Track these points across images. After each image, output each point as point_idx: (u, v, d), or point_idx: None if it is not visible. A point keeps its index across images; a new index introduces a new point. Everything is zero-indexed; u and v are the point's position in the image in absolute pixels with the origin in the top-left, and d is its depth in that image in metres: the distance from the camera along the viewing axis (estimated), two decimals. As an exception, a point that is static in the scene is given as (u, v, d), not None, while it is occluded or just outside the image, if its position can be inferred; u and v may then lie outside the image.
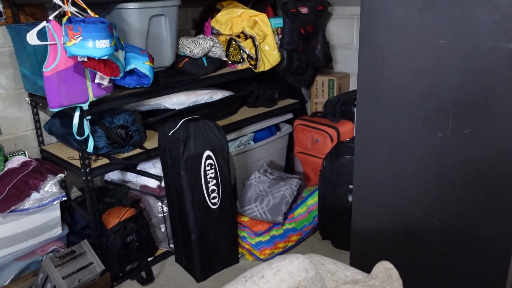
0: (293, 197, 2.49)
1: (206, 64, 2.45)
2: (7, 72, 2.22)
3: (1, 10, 2.14)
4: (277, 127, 3.03)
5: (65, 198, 2.08)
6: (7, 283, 2.06)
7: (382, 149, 1.64)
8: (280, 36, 2.74)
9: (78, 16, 1.77)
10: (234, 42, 2.59)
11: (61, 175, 2.11)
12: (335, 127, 2.68)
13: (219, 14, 2.66)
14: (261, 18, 2.62)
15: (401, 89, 1.53)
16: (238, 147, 2.71)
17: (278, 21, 2.72)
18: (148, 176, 2.34)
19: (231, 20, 2.63)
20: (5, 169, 2.04)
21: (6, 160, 2.11)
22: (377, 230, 1.75)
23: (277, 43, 2.70)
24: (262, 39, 2.61)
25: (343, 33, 3.00)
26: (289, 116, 3.00)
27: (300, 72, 2.86)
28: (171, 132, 2.12)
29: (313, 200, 2.58)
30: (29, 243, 2.08)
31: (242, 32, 2.59)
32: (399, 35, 1.49)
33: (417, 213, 1.61)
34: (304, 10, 2.77)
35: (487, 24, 1.29)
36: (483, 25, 1.30)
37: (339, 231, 2.42)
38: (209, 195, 2.17)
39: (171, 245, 2.41)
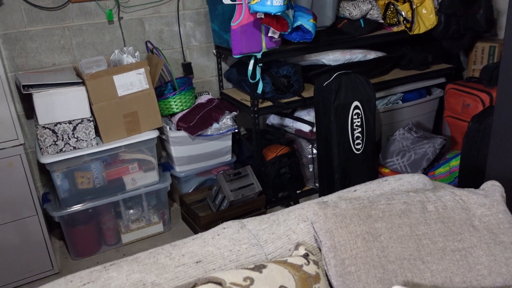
0: (435, 155, 2.62)
1: (363, 25, 2.69)
2: (201, 29, 2.80)
3: (201, -22, 2.69)
4: (428, 91, 3.12)
5: (236, 130, 2.59)
6: (190, 191, 2.69)
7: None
8: (440, 0, 2.81)
9: (260, -19, 2.19)
10: (392, 6, 2.76)
11: (234, 113, 2.62)
12: (489, 92, 2.68)
13: (380, -21, 2.85)
14: (421, -18, 2.73)
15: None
16: (387, 105, 2.92)
17: (439, -15, 2.79)
18: (303, 122, 2.72)
19: (391, -16, 2.79)
20: (196, 103, 2.63)
21: (196, 97, 2.71)
22: (508, 184, 1.84)
23: (435, 7, 2.78)
24: (420, 3, 2.72)
25: (511, -3, 2.90)
26: (442, 80, 3.06)
27: (457, 36, 2.89)
28: (326, 83, 2.44)
29: (456, 162, 2.67)
30: (207, 163, 2.66)
31: (401, -4, 2.74)
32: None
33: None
34: (468, -27, 2.78)
35: None
36: None
37: (478, 191, 2.48)
38: (353, 141, 2.46)
39: (317, 184, 2.78)
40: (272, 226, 1.17)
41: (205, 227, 2.36)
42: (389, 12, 2.79)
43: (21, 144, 2.06)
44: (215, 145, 2.62)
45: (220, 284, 0.92)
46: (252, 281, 0.94)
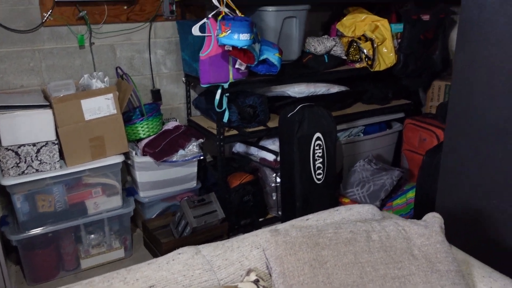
0: (392, 186, 2.74)
1: (327, 61, 2.83)
2: (172, 57, 2.87)
3: (174, 9, 2.78)
4: (388, 125, 3.27)
5: (202, 157, 2.64)
6: (153, 216, 2.70)
7: (468, 142, 1.85)
8: (399, 40, 2.99)
9: (229, 15, 2.30)
10: (354, 43, 2.92)
11: (201, 140, 2.68)
12: (443, 128, 2.83)
13: (344, 18, 3.01)
14: (382, 23, 2.90)
15: (488, 90, 1.73)
16: (349, 137, 3.03)
17: (399, 27, 2.97)
18: (267, 151, 2.80)
19: (355, 23, 2.96)
20: (163, 129, 2.67)
21: (163, 123, 2.75)
22: (456, 213, 1.95)
23: (395, 47, 2.95)
24: (380, 42, 2.89)
25: (465, 41, 3.10)
26: (401, 115, 3.22)
27: (416, 74, 3.06)
28: (290, 114, 2.54)
29: (412, 194, 2.79)
30: (172, 189, 2.69)
31: (363, 35, 2.90)
32: (491, 41, 1.69)
33: (494, 201, 1.78)
34: (426, 17, 2.97)
35: None
36: None
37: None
38: (315, 171, 2.54)
39: (279, 212, 2.83)
40: (226, 252, 1.22)
41: (166, 253, 2.36)
42: (352, 49, 2.94)
43: (-18, 165, 2.05)
44: (180, 171, 2.66)
45: (170, 307, 0.96)
46: (201, 305, 0.98)
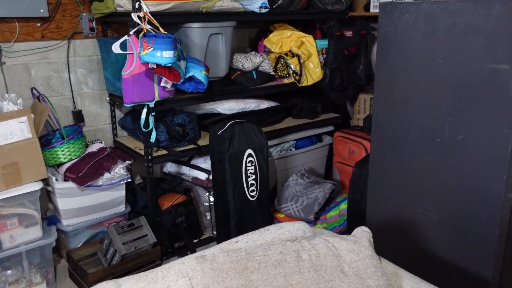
0: (325, 199, 2.76)
1: (255, 77, 2.83)
2: (94, 76, 2.73)
3: (94, 26, 2.66)
4: (319, 138, 3.32)
5: (130, 180, 2.52)
6: (79, 245, 2.52)
7: (392, 153, 1.90)
8: (325, 55, 3.06)
9: (152, 32, 2.22)
10: (282, 59, 2.95)
11: (128, 162, 2.55)
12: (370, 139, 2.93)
13: (271, 35, 3.04)
14: (308, 39, 2.96)
15: (407, 101, 1.80)
16: (280, 152, 3.04)
17: (324, 43, 3.04)
18: (199, 170, 2.73)
19: (281, 40, 2.99)
20: (86, 152, 2.52)
21: (87, 146, 2.59)
22: (386, 223, 1.99)
23: (321, 62, 3.02)
24: (307, 58, 2.94)
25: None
26: (330, 128, 3.29)
27: (342, 88, 3.15)
28: (220, 131, 2.50)
29: (345, 205, 2.83)
30: (99, 215, 2.53)
31: (290, 51, 2.94)
32: (407, 56, 1.76)
33: (419, 209, 1.84)
34: (348, 33, 3.07)
35: (476, 48, 1.54)
36: (473, 49, 1.55)
37: (364, 232, 2.65)
38: (248, 188, 2.51)
39: (214, 232, 2.76)
40: (150, 285, 1.14)
41: (93, 284, 2.20)
42: (280, 65, 2.97)
43: None
44: (107, 196, 2.51)
45: None
46: None
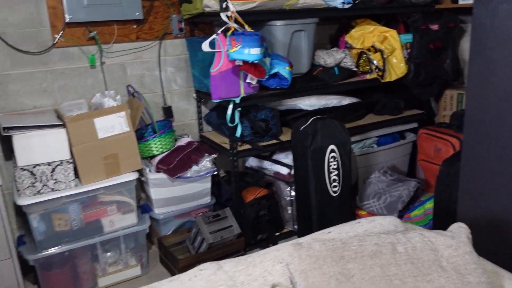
0: (409, 197, 2.70)
1: (337, 73, 2.82)
2: (182, 74, 2.89)
3: (183, 27, 2.81)
4: (401, 135, 3.24)
5: (216, 173, 2.63)
6: (168, 233, 2.68)
7: (488, 149, 1.82)
8: (409, 50, 2.98)
9: (239, 30, 2.31)
10: (364, 55, 2.91)
11: (214, 155, 2.67)
12: (458, 137, 2.80)
13: (353, 30, 3.02)
14: (391, 34, 2.90)
15: (507, 95, 1.71)
16: (362, 148, 3.01)
17: (408, 37, 2.96)
18: (281, 165, 2.78)
19: (363, 35, 2.96)
20: (175, 145, 2.67)
21: (175, 140, 2.75)
22: (481, 223, 1.91)
23: (405, 57, 2.94)
24: (390, 53, 2.88)
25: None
26: (414, 125, 3.20)
27: (427, 84, 3.04)
28: (302, 127, 2.53)
29: (430, 204, 2.75)
30: (186, 205, 2.67)
31: (372, 46, 2.90)
32: (507, 47, 1.68)
33: (517, 208, 1.74)
34: (434, 27, 2.96)
35: None
36: None
37: (451, 232, 2.55)
38: (330, 184, 2.52)
39: (295, 226, 2.80)
40: (249, 268, 1.20)
41: (183, 270, 2.33)
42: (362, 60, 2.93)
43: (-2, 186, 2.05)
44: (194, 187, 2.65)
45: (196, 326, 0.94)
46: (228, 322, 0.96)
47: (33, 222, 2.20)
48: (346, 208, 2.59)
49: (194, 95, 2.93)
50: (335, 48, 2.95)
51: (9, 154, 2.46)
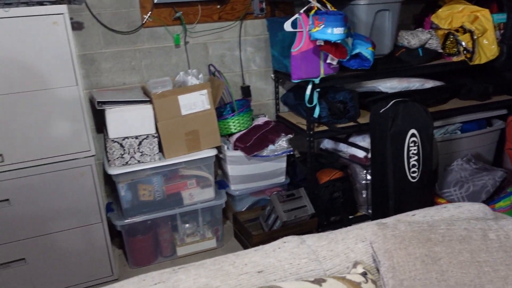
0: (495, 187, 2.55)
1: (421, 54, 2.71)
2: (261, 54, 2.92)
3: (264, 7, 2.82)
4: (488, 122, 3.05)
5: (291, 153, 2.66)
6: (243, 209, 2.76)
7: None
8: (502, 31, 2.78)
9: (322, 10, 2.28)
10: (451, 36, 2.76)
11: (290, 135, 2.69)
12: (554, 125, 2.59)
13: (440, 10, 2.86)
14: (483, 13, 2.72)
15: None
16: (444, 134, 2.88)
17: (501, 17, 2.76)
18: (357, 147, 2.74)
19: (452, 15, 2.80)
20: (253, 124, 2.72)
21: (253, 119, 2.80)
22: None
23: (497, 38, 2.75)
24: (481, 34, 2.70)
25: None
26: (503, 111, 2.99)
27: (521, 68, 2.83)
28: (382, 110, 2.46)
29: (518, 196, 2.59)
30: (261, 183, 2.73)
31: (461, 27, 2.74)
32: None
33: None
34: (533, 5, 2.74)
35: None
36: None
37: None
38: (409, 169, 2.44)
39: (369, 210, 2.76)
40: (331, 244, 1.21)
41: (256, 245, 2.40)
42: (449, 42, 2.79)
43: (92, 156, 2.22)
44: (269, 166, 2.69)
45: (282, 293, 0.97)
46: (312, 293, 0.98)
47: (121, 190, 2.37)
48: (425, 194, 2.50)
49: (272, 75, 2.95)
50: (420, 29, 2.82)
51: (100, 127, 2.65)
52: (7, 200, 2.10)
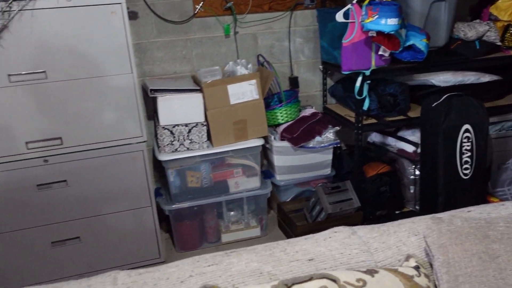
0: (553, 188, 2.43)
1: (478, 47, 2.60)
2: (310, 45, 2.90)
3: (315, -3, 2.80)
4: (548, 120, 2.90)
5: (338, 145, 2.63)
6: (288, 200, 2.77)
7: None
8: None
9: (376, 0, 2.23)
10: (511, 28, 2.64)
11: (337, 127, 2.67)
12: None
13: (500, 1, 2.73)
14: (548, 4, 2.58)
15: None
16: (500, 131, 2.77)
17: None
18: (407, 142, 2.68)
19: (513, 6, 2.67)
20: (300, 115, 2.72)
21: (300, 110, 2.79)
22: None
23: None
24: (545, 26, 2.57)
25: None
26: None
27: None
28: (435, 104, 2.39)
29: None
30: (307, 174, 2.73)
31: (523, 18, 2.61)
32: None
33: None
34: None
35: None
36: None
37: None
38: (461, 166, 2.37)
39: (417, 207, 2.70)
40: (383, 236, 1.20)
41: (300, 235, 2.41)
42: (509, 34, 2.66)
43: (144, 141, 2.29)
44: (315, 158, 2.69)
45: (334, 281, 0.98)
46: (364, 283, 0.98)
47: (170, 176, 2.44)
48: (477, 192, 2.42)
49: (321, 66, 2.93)
50: (477, 20, 2.71)
51: (150, 114, 2.72)
52: (65, 181, 2.21)
